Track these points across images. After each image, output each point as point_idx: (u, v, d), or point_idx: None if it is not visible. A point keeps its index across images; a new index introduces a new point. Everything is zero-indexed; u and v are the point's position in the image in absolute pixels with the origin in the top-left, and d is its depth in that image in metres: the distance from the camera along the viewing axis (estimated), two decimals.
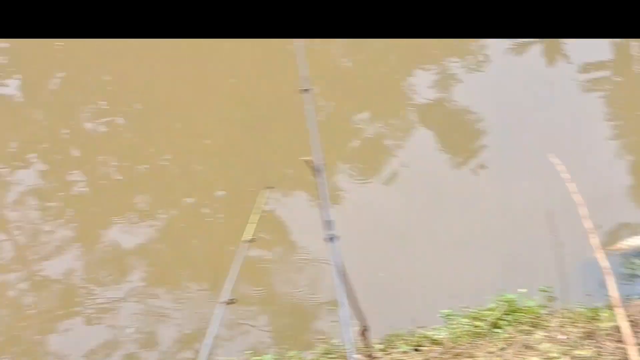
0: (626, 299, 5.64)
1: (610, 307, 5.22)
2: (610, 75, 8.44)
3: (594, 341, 4.98)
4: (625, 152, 7.47)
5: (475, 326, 5.44)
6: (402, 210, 7.19)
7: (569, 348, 4.97)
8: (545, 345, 5.01)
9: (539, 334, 5.26)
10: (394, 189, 7.40)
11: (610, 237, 6.46)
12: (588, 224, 5.45)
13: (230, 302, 3.22)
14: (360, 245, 6.44)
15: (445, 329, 5.46)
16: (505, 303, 5.58)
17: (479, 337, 5.34)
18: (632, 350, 4.24)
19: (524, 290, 5.68)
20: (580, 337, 5.01)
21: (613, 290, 4.96)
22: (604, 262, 5.17)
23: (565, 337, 5.13)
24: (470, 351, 5.11)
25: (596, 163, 7.31)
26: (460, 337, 5.32)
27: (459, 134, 7.94)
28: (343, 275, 3.14)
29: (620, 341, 4.87)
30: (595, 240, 5.31)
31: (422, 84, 8.53)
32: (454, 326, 5.48)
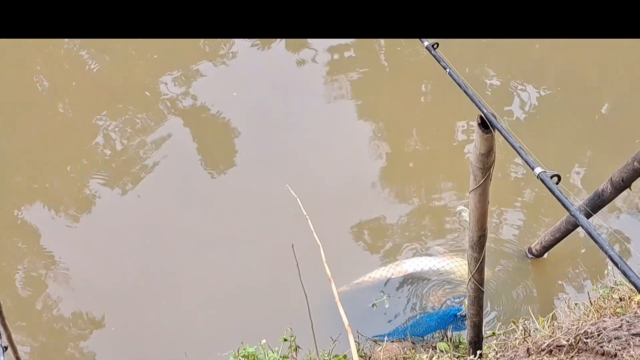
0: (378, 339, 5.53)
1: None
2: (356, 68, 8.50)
3: None
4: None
5: None
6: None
7: None
8: None
9: None
10: None
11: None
12: (327, 270, 5.24)
13: None
14: None
15: None
16: (245, 358, 5.18)
17: None
18: None
19: (264, 341, 5.28)
20: None
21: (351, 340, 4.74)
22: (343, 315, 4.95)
23: None
24: None
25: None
26: None
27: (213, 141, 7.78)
28: None
29: None
30: (333, 286, 5.06)
31: (171, 85, 8.40)
32: None
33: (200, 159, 7.63)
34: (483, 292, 4.33)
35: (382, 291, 6.10)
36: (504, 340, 4.71)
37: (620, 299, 4.30)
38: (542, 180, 3.34)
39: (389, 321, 5.90)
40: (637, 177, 4.87)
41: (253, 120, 8.00)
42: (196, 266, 6.63)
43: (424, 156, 7.50)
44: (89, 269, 6.77)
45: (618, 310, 4.24)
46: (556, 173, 3.37)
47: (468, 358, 4.29)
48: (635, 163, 4.73)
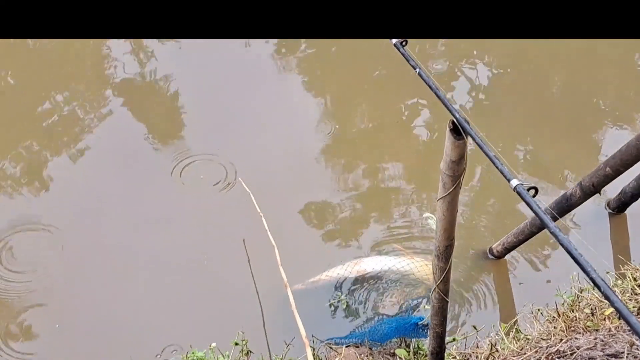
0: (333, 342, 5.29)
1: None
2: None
3: None
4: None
5: None
6: None
7: None
8: None
9: None
10: None
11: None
12: (283, 274, 4.96)
13: None
14: None
15: None
16: None
17: None
18: None
19: (214, 344, 4.98)
20: None
21: (300, 327, 4.45)
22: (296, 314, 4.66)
23: None
24: None
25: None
26: None
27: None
28: None
29: None
30: (289, 292, 4.79)
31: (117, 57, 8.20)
32: None
33: (145, 134, 7.29)
34: (447, 302, 4.09)
35: (340, 291, 5.84)
36: (468, 355, 4.51)
37: (592, 313, 4.11)
38: (519, 194, 3.11)
39: (347, 322, 5.63)
40: (608, 183, 4.71)
41: (200, 97, 7.80)
42: (139, 258, 6.28)
43: (371, 134, 7.33)
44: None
45: (589, 324, 4.04)
46: (533, 185, 3.14)
47: None
48: (608, 169, 4.55)
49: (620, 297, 4.13)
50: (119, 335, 5.72)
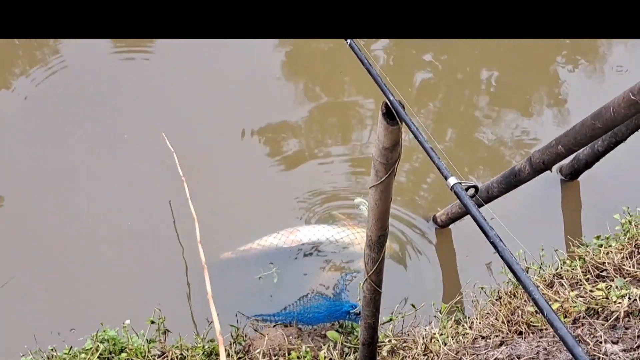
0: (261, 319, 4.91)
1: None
2: None
3: None
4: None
5: None
6: None
7: None
8: None
9: None
10: None
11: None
12: (199, 245, 4.55)
13: None
14: None
15: None
16: (105, 342, 4.44)
17: None
18: None
19: (128, 322, 4.55)
20: None
21: (215, 321, 4.06)
22: (208, 286, 4.26)
23: None
24: None
25: None
26: None
27: None
28: None
29: None
30: (200, 250, 4.38)
31: None
32: None
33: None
34: (380, 293, 3.71)
35: (272, 262, 5.42)
36: (402, 340, 4.17)
37: (536, 312, 3.75)
38: (457, 194, 2.69)
39: (278, 297, 5.22)
40: (559, 161, 4.33)
41: None
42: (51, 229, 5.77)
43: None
44: None
45: (532, 320, 3.70)
46: (473, 184, 2.74)
47: None
48: (560, 147, 4.16)
49: (567, 293, 3.80)
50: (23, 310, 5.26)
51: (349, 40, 3.11)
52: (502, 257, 2.53)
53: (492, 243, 2.57)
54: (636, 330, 3.23)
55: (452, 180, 2.69)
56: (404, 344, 4.33)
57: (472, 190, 2.73)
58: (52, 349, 4.51)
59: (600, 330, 3.29)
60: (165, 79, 6.87)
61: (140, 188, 5.98)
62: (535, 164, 4.44)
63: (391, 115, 2.86)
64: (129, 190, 5.97)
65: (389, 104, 2.84)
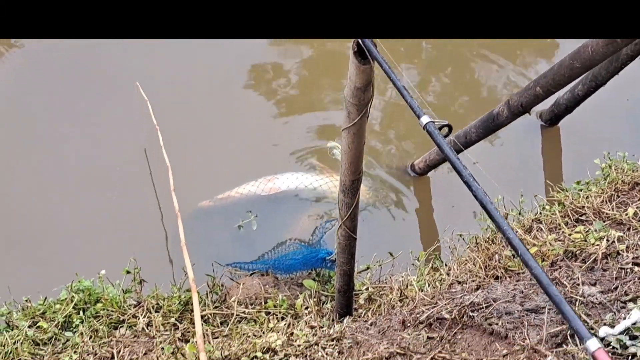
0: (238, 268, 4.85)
1: None
2: None
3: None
4: None
5: (38, 329, 4.19)
6: None
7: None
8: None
9: (124, 334, 4.16)
10: None
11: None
12: (172, 193, 4.45)
13: None
14: None
15: None
16: (80, 292, 4.38)
17: (40, 347, 4.09)
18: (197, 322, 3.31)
19: (104, 272, 4.48)
20: (171, 335, 3.95)
21: (188, 268, 3.99)
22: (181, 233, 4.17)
23: (149, 337, 4.09)
24: None
25: None
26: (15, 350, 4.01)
27: None
28: None
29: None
30: (178, 215, 4.29)
31: None
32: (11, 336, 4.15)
33: None
34: (355, 239, 3.65)
35: (250, 210, 5.34)
36: (380, 288, 4.13)
37: (513, 255, 3.70)
38: (430, 133, 2.61)
39: (256, 246, 5.14)
40: (538, 103, 4.25)
41: None
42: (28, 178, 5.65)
43: None
44: None
45: (510, 264, 3.65)
46: (446, 123, 2.65)
47: (335, 325, 3.63)
48: (538, 88, 4.07)
49: (546, 237, 3.75)
50: None
51: None
52: (475, 196, 2.46)
53: (466, 182, 2.50)
54: (614, 272, 3.19)
55: (424, 119, 2.60)
56: (382, 292, 4.29)
57: (445, 129, 2.65)
58: (26, 300, 4.45)
59: (578, 272, 3.24)
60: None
61: (115, 138, 5.88)
62: (514, 107, 4.36)
63: (362, 53, 2.76)
64: (103, 139, 5.86)
65: (360, 42, 2.74)
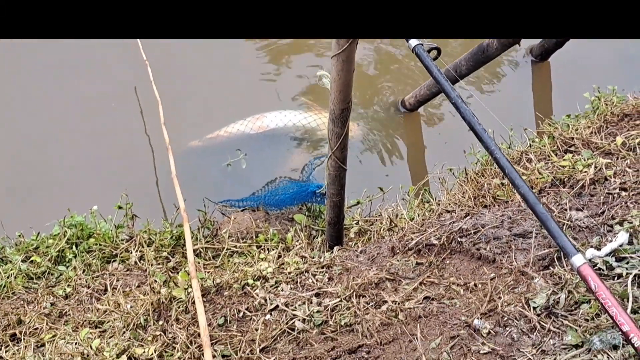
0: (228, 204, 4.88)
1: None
2: None
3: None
4: None
5: (32, 263, 4.23)
6: None
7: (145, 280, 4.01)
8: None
9: (116, 267, 4.20)
10: None
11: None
12: (163, 126, 4.45)
13: None
14: None
15: None
16: (73, 227, 4.40)
17: (34, 280, 4.14)
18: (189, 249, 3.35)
19: (96, 207, 4.50)
20: (163, 268, 3.99)
21: (179, 200, 4.00)
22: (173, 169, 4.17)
23: (142, 271, 4.13)
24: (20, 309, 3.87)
25: None
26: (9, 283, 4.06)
27: None
28: None
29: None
30: (169, 149, 4.29)
31: None
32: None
33: None
34: (345, 170, 3.67)
35: (239, 149, 5.33)
36: (370, 222, 4.16)
37: (502, 184, 3.73)
38: (418, 55, 2.60)
39: (246, 183, 5.15)
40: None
41: None
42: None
43: None
44: None
45: (499, 194, 3.68)
46: (435, 46, 2.65)
47: (325, 253, 3.67)
48: None
49: (534, 165, 3.77)
50: None
51: None
52: (463, 118, 2.48)
53: (454, 104, 2.51)
54: (601, 197, 3.22)
55: (413, 42, 2.60)
56: (372, 226, 4.33)
57: (434, 52, 2.65)
58: (19, 235, 4.48)
59: (566, 198, 3.27)
60: None
61: (105, 74, 5.84)
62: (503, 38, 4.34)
63: None
64: (93, 76, 5.82)
65: None
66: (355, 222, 4.44)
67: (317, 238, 4.40)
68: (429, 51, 2.59)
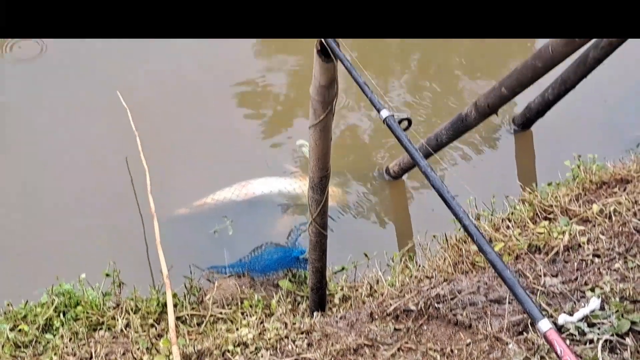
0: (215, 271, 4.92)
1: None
2: None
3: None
4: None
5: (20, 332, 4.24)
6: None
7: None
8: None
9: (103, 335, 4.22)
10: None
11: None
12: (149, 195, 4.54)
13: None
14: None
15: None
16: (61, 295, 4.43)
17: (21, 349, 4.15)
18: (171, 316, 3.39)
19: (84, 275, 4.54)
20: (148, 335, 4.01)
21: (162, 265, 4.06)
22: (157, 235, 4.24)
23: (127, 338, 4.15)
24: None
25: None
26: None
27: None
28: None
29: None
30: (155, 224, 4.36)
31: None
32: None
33: None
34: (326, 236, 3.74)
35: (226, 216, 5.41)
36: (354, 289, 4.21)
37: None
38: (389, 126, 2.70)
39: (232, 250, 5.21)
40: (504, 104, 4.37)
41: None
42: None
43: None
44: None
45: (477, 260, 3.75)
46: (406, 117, 2.74)
47: (305, 319, 3.71)
48: (503, 89, 4.19)
49: (512, 232, 3.85)
50: None
51: None
52: (433, 185, 2.55)
53: (424, 173, 2.59)
54: (575, 263, 3.29)
55: (384, 113, 2.70)
56: (356, 292, 4.38)
57: (405, 123, 2.74)
58: (8, 304, 4.51)
59: (540, 264, 3.34)
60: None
61: (96, 144, 5.94)
62: (481, 107, 4.47)
63: (326, 52, 2.86)
64: (84, 145, 5.92)
65: (323, 41, 2.84)
66: (340, 287, 4.48)
67: (301, 304, 4.43)
68: (399, 122, 2.69)
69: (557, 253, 3.41)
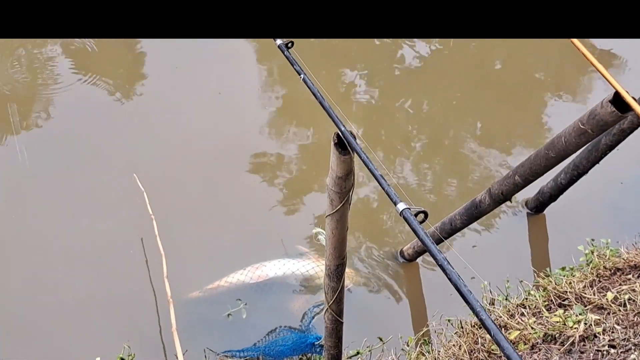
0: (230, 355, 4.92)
1: None
2: None
3: None
4: None
5: None
6: None
7: None
8: None
9: None
10: None
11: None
12: (166, 280, 4.55)
13: None
14: None
15: None
16: None
17: None
18: None
19: (98, 359, 4.55)
20: None
21: (179, 353, 4.05)
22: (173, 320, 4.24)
23: None
24: None
25: None
26: None
27: None
28: None
29: None
30: (171, 310, 4.36)
31: None
32: None
33: None
34: (342, 323, 3.75)
35: (239, 299, 5.42)
36: None
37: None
38: (406, 219, 2.75)
39: (246, 333, 5.21)
40: (517, 192, 4.42)
41: None
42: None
43: None
44: None
45: (493, 348, 3.74)
46: (422, 210, 2.79)
47: None
48: (517, 177, 4.25)
49: (527, 320, 3.85)
50: None
51: (302, 75, 3.20)
52: (449, 279, 2.58)
53: (441, 266, 2.62)
54: (591, 354, 3.28)
55: (401, 206, 2.75)
56: None
57: (421, 216, 2.79)
58: None
59: (556, 355, 3.33)
60: (139, 121, 6.92)
61: (111, 227, 5.98)
62: (495, 194, 4.52)
63: (342, 145, 2.94)
64: (99, 229, 5.96)
65: (340, 134, 2.92)
66: None
67: None
68: (416, 215, 2.74)
69: (572, 343, 3.41)
